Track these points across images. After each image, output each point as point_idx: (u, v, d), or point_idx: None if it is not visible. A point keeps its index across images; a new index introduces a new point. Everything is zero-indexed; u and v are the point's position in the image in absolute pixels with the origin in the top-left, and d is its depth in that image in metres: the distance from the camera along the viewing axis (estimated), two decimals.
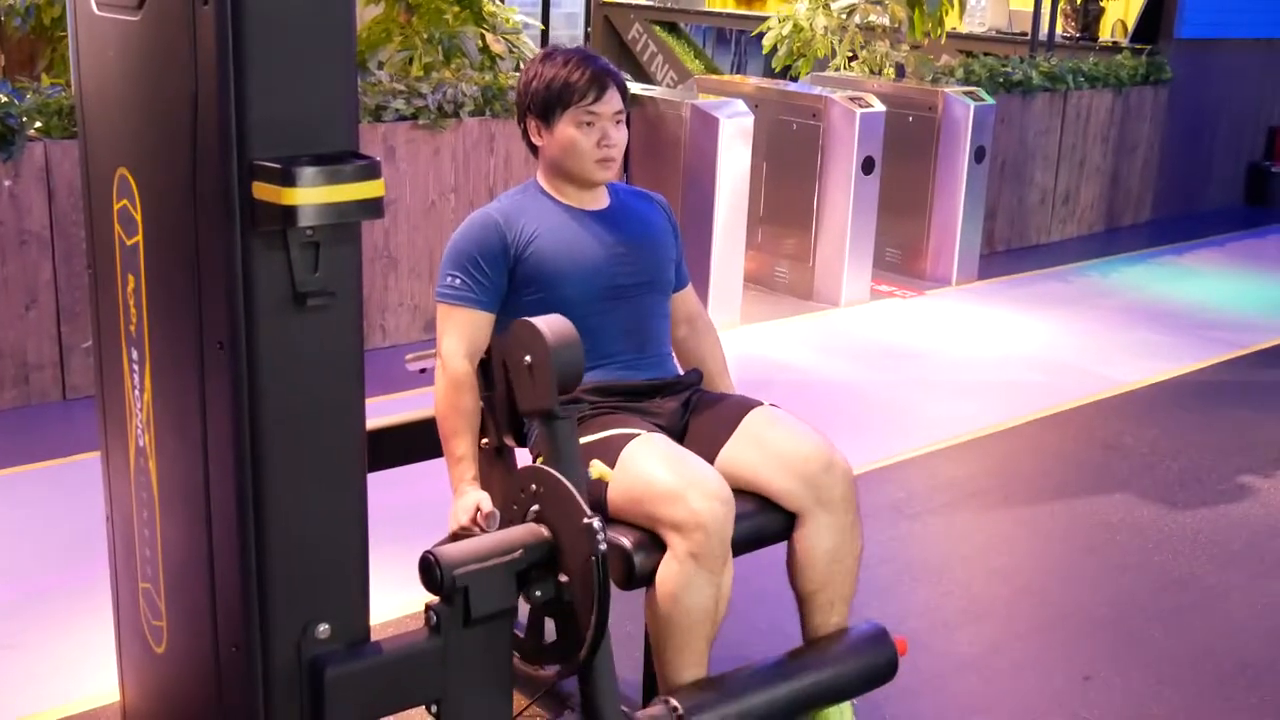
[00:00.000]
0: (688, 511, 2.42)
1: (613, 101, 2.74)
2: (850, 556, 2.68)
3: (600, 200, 2.85)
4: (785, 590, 2.73)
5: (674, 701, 2.45)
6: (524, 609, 2.45)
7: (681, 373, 2.91)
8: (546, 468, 2.41)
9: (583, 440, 2.60)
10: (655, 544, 2.49)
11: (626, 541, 2.47)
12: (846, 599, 2.71)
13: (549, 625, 2.47)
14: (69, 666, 3.12)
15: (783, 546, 2.70)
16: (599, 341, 2.74)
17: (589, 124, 2.72)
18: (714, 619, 2.52)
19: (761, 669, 2.60)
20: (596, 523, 2.28)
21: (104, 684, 2.96)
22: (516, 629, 2.50)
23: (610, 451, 2.54)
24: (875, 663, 2.68)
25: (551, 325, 2.40)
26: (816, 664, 2.64)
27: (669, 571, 2.46)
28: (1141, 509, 4.29)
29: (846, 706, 2.73)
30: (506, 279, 2.73)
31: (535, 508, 2.40)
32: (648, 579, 2.50)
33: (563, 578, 2.35)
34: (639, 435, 2.57)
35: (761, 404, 2.75)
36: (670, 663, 2.53)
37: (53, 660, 3.15)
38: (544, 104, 2.74)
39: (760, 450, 2.64)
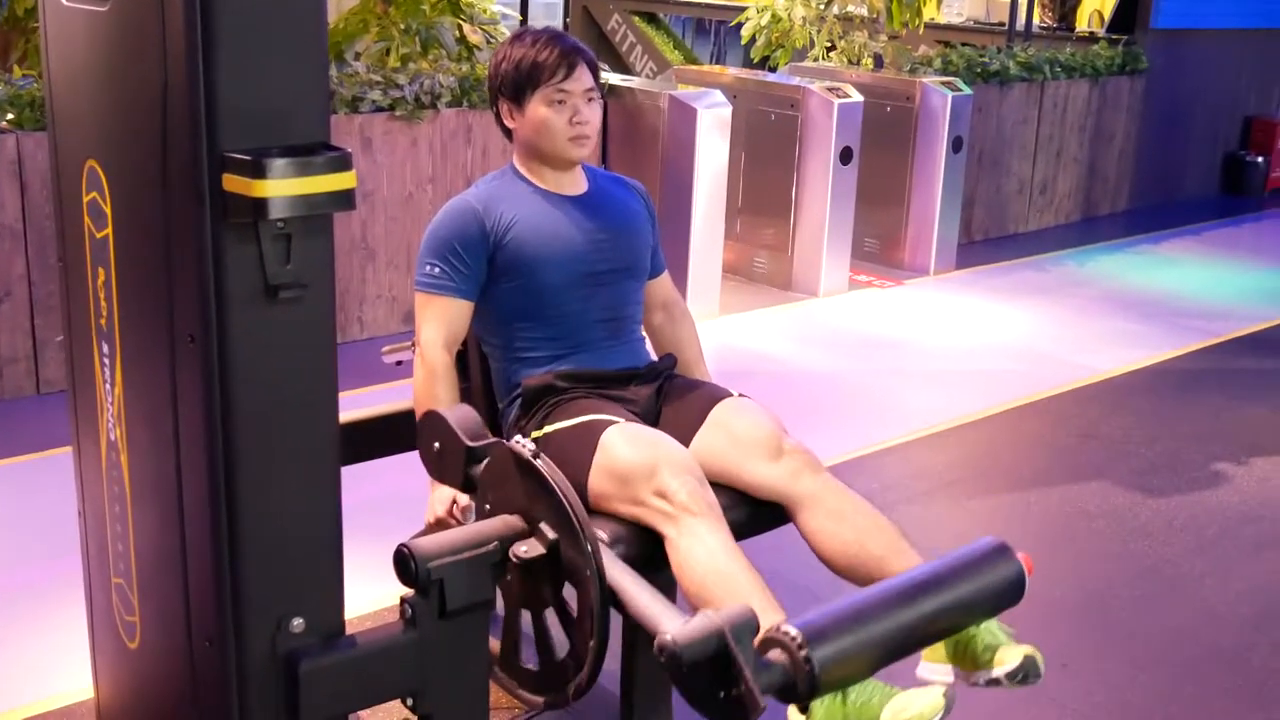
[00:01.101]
0: (660, 486, 2.39)
1: (583, 79, 2.73)
2: (859, 506, 2.53)
3: (578, 185, 2.84)
4: (789, 580, 2.67)
5: (786, 626, 2.03)
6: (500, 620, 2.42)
7: (655, 359, 2.90)
8: (554, 484, 2.30)
9: (559, 425, 2.59)
10: (636, 536, 2.45)
11: (605, 535, 2.44)
12: (902, 537, 2.51)
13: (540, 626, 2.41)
14: (42, 663, 3.11)
15: (765, 543, 2.68)
16: (575, 328, 2.74)
17: (560, 102, 2.72)
18: (746, 562, 2.34)
19: (875, 593, 2.20)
20: (518, 439, 2.29)
21: (78, 680, 2.95)
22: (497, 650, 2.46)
23: (587, 438, 2.53)
24: (1002, 577, 2.31)
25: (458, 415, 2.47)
26: (938, 582, 2.24)
27: (674, 545, 2.37)
28: (1117, 496, 4.31)
29: (991, 623, 2.36)
30: (486, 266, 2.72)
31: (488, 504, 2.38)
32: (648, 564, 2.45)
33: (549, 533, 2.26)
34: (616, 422, 2.56)
35: (730, 394, 2.74)
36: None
37: (26, 657, 3.14)
38: (515, 85, 2.74)
39: (727, 441, 2.62)
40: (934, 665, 2.36)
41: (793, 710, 2.13)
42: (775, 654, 2.02)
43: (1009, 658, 2.27)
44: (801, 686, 2.01)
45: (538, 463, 2.26)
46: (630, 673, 2.68)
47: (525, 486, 2.30)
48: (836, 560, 2.51)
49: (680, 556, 2.37)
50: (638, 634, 2.58)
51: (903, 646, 2.16)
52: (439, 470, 2.53)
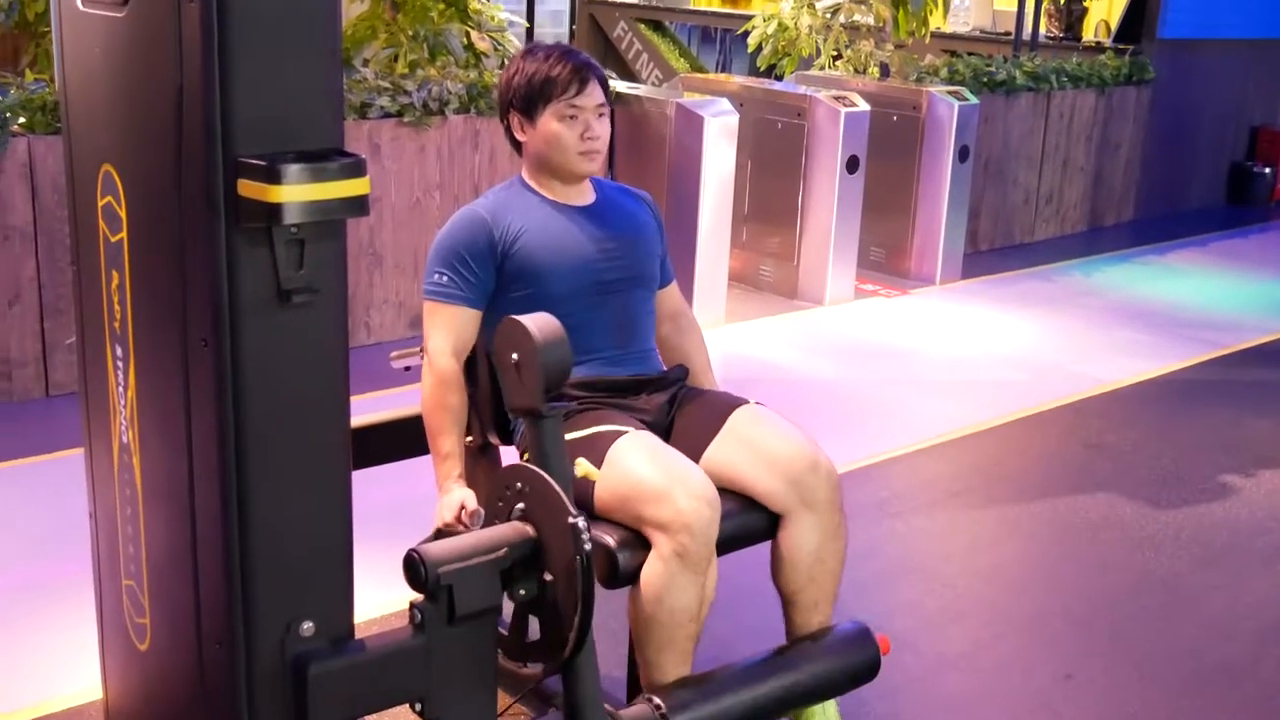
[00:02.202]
0: (673, 511, 2.42)
1: (594, 94, 2.75)
2: (834, 557, 2.68)
3: (586, 196, 2.85)
4: (768, 589, 2.73)
5: (657, 700, 2.44)
6: (508, 607, 2.45)
7: (665, 369, 2.91)
8: (531, 466, 2.41)
9: (569, 436, 2.60)
10: (640, 543, 2.49)
11: (611, 540, 2.47)
12: (830, 598, 2.71)
13: (533, 623, 2.46)
14: (52, 664, 3.11)
15: (765, 546, 2.70)
16: (585, 337, 2.74)
17: (572, 117, 2.73)
18: (697, 618, 2.52)
19: (744, 668, 2.60)
20: (581, 522, 2.28)
21: (87, 681, 2.96)
22: (501, 627, 2.50)
23: (597, 448, 2.54)
24: (858, 662, 2.68)
25: (539, 324, 2.40)
26: (799, 663, 2.63)
27: (653, 571, 2.46)
28: (1124, 508, 4.31)
29: (831, 705, 2.73)
30: (494, 276, 2.73)
31: (520, 506, 2.40)
32: (632, 578, 2.50)
33: (547, 576, 2.34)
34: (627, 433, 2.57)
35: (747, 402, 2.76)
36: (653, 662, 2.53)
37: (36, 657, 3.14)
38: (526, 99, 2.75)
39: (745, 450, 2.64)
40: None
41: None
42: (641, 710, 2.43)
43: None
44: None
45: (584, 568, 2.30)
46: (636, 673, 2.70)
47: (560, 545, 2.33)
48: (778, 579, 2.71)
49: (653, 587, 2.47)
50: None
51: (754, 717, 2.54)
52: (511, 386, 2.46)
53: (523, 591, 2.34)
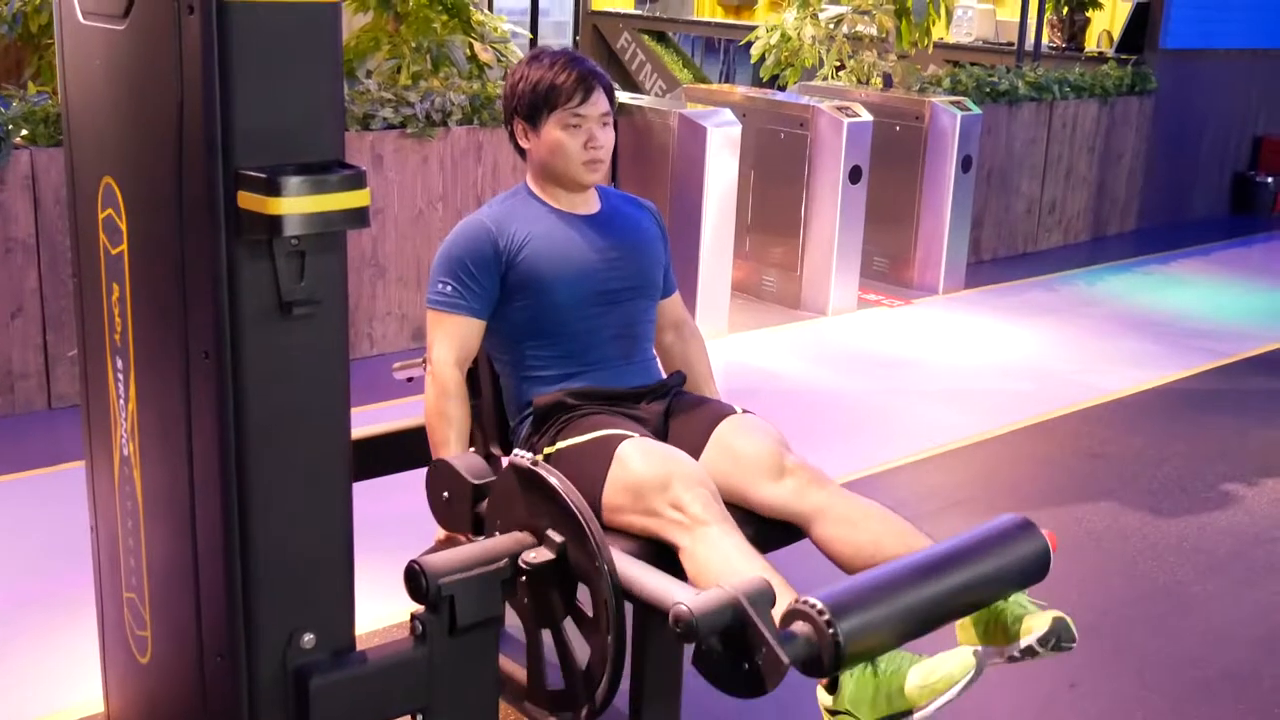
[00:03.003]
0: (674, 499, 2.40)
1: (599, 103, 2.74)
2: (871, 509, 2.52)
3: (591, 205, 2.85)
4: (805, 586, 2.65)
5: (810, 599, 2.01)
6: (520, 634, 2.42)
7: (665, 376, 2.91)
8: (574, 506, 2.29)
9: (572, 441, 2.60)
10: (652, 550, 2.44)
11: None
12: (916, 532, 2.50)
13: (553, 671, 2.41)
14: (53, 677, 3.11)
15: (775, 559, 2.68)
16: (588, 347, 2.75)
17: (576, 126, 2.73)
18: (763, 562, 2.33)
19: (899, 567, 2.18)
20: (519, 453, 2.31)
21: (88, 694, 2.95)
22: (515, 660, 2.46)
23: (602, 452, 2.54)
24: (1028, 551, 2.30)
25: (467, 463, 2.53)
26: (962, 556, 2.23)
27: (689, 554, 2.37)
28: (1127, 517, 4.30)
29: (1021, 596, 2.36)
30: (498, 286, 2.73)
31: (498, 523, 2.39)
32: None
33: (557, 537, 2.26)
34: (631, 437, 2.56)
35: (735, 411, 2.74)
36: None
37: (37, 671, 3.14)
38: (530, 106, 2.75)
39: (731, 461, 2.63)
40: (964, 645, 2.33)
41: (821, 692, 2.12)
42: (799, 626, 1.99)
43: (1038, 625, 2.26)
44: (827, 658, 1.98)
45: (538, 470, 2.26)
46: (639, 687, 2.68)
47: (529, 500, 2.31)
48: (855, 566, 2.48)
49: (696, 565, 2.36)
50: (646, 644, 2.59)
51: (928, 619, 2.14)
52: (448, 519, 2.56)
53: (533, 556, 2.23)
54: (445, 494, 2.54)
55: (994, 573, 2.24)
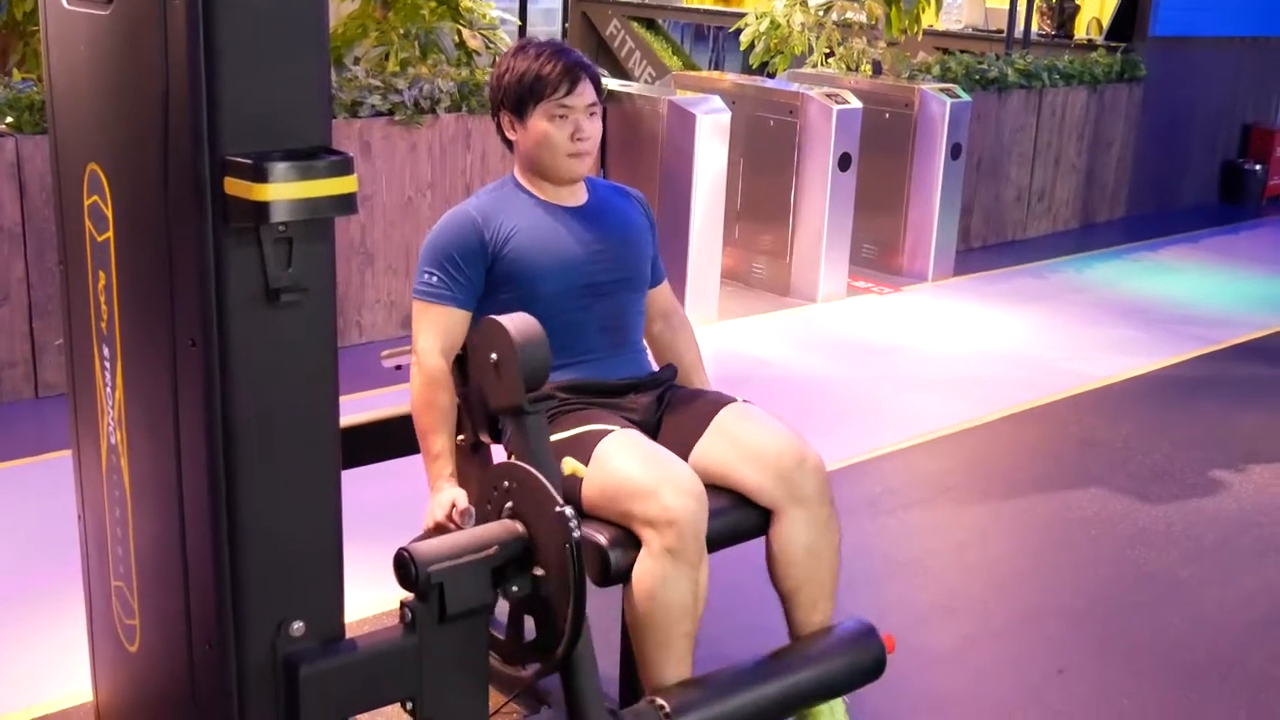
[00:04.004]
0: (661, 508, 2.42)
1: (585, 94, 2.73)
2: (829, 550, 2.67)
3: (578, 196, 2.84)
4: (762, 587, 2.72)
5: (660, 700, 2.42)
6: (503, 608, 2.44)
7: (656, 368, 2.91)
8: (518, 463, 2.41)
9: (557, 436, 2.60)
10: (631, 541, 2.49)
11: (602, 538, 2.47)
12: (829, 595, 2.70)
13: (529, 626, 2.45)
14: (42, 666, 3.10)
15: (757, 544, 2.70)
16: (575, 338, 2.74)
17: (562, 117, 2.72)
18: (693, 615, 2.50)
19: (747, 668, 2.58)
20: (569, 511, 2.28)
21: (77, 684, 2.95)
22: (496, 629, 2.49)
23: (584, 448, 2.54)
24: (863, 660, 2.66)
25: (517, 323, 2.43)
26: (803, 662, 2.61)
27: (645, 569, 2.46)
28: (1115, 503, 4.31)
29: (838, 703, 2.71)
30: (484, 277, 2.72)
31: (509, 504, 2.39)
32: (624, 576, 2.50)
33: (538, 571, 2.34)
34: (613, 432, 2.57)
35: (735, 400, 2.75)
36: (652, 663, 2.51)
37: (25, 660, 3.14)
38: (517, 98, 2.74)
39: (733, 446, 2.64)
40: None
41: None
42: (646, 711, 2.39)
43: None
44: None
45: (575, 555, 2.28)
46: (628, 664, 2.70)
47: (549, 537, 2.32)
48: (775, 578, 2.69)
49: (645, 584, 2.45)
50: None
51: (756, 717, 2.51)
52: (492, 386, 2.52)
53: (515, 588, 2.34)
54: (494, 356, 2.48)
55: (826, 678, 2.61)
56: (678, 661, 2.51)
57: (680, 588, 2.46)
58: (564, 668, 2.38)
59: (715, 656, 2.67)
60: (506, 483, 2.41)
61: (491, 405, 2.55)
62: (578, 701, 2.39)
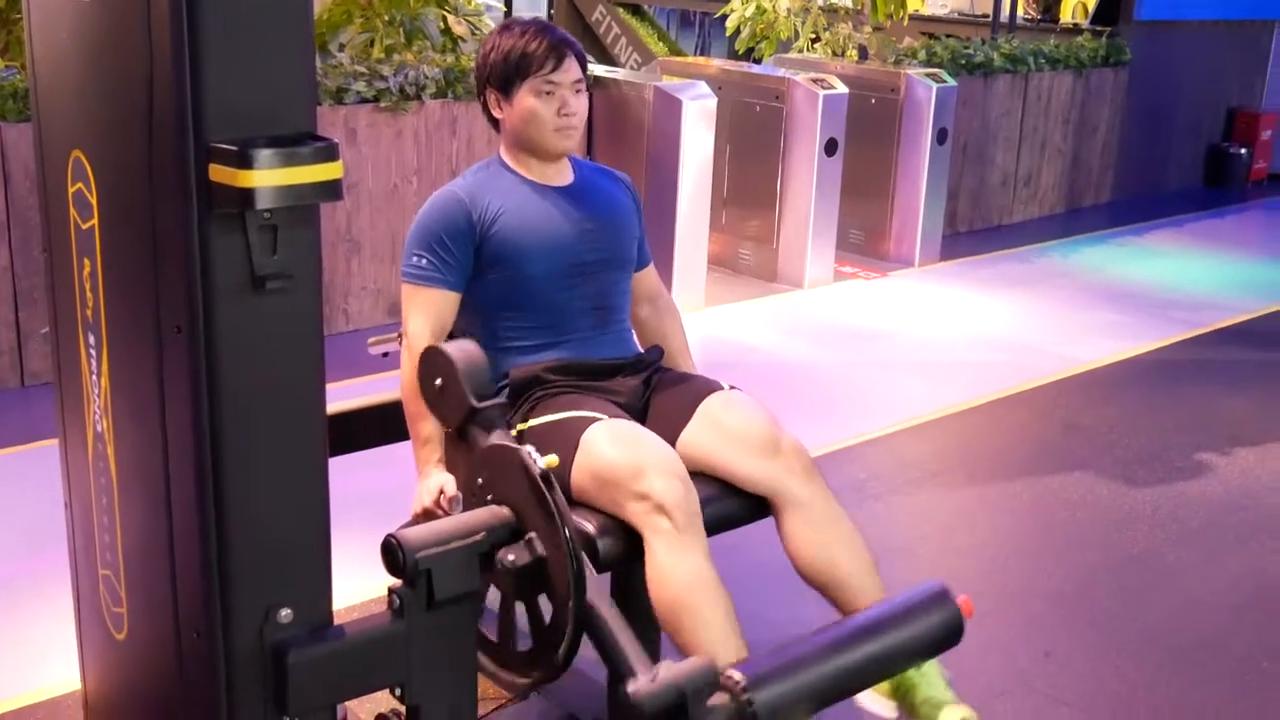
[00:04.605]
0: (646, 491, 2.41)
1: (571, 70, 2.73)
2: (840, 522, 2.60)
3: (565, 176, 2.84)
4: (758, 577, 2.71)
5: (731, 671, 2.17)
6: (497, 601, 2.43)
7: (642, 350, 2.91)
8: (493, 443, 2.42)
9: (542, 420, 2.60)
10: (621, 530, 2.47)
11: (590, 527, 2.47)
12: (870, 567, 2.60)
13: (524, 624, 2.44)
14: (29, 655, 3.10)
15: (750, 535, 2.69)
16: (562, 318, 2.74)
17: (548, 93, 2.72)
18: (720, 589, 2.41)
19: (817, 638, 2.33)
20: (531, 451, 2.29)
21: (65, 672, 2.95)
22: (489, 632, 2.48)
23: (569, 434, 2.54)
24: (940, 622, 2.43)
25: (458, 347, 2.53)
26: (879, 626, 2.39)
27: (654, 559, 2.42)
28: (1101, 487, 4.33)
29: (931, 666, 2.51)
30: (472, 257, 2.72)
31: (490, 496, 2.39)
32: (614, 564, 2.49)
33: (530, 535, 2.31)
34: (599, 420, 2.56)
35: (721, 387, 2.75)
36: (698, 648, 2.36)
37: (13, 649, 3.13)
38: (503, 75, 2.74)
39: (718, 435, 2.64)
40: (878, 697, 2.54)
41: None
42: (718, 698, 2.16)
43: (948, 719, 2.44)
44: None
45: (545, 488, 2.26)
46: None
47: (527, 494, 2.31)
48: (804, 569, 2.60)
49: (657, 573, 2.42)
50: (627, 609, 2.61)
51: (842, 690, 2.31)
52: (441, 407, 2.55)
53: (512, 558, 2.28)
54: (438, 381, 2.52)
55: (907, 644, 2.39)
56: (725, 638, 2.38)
57: (694, 559, 2.40)
58: (583, 627, 2.27)
59: None
60: (482, 473, 2.41)
61: (449, 426, 2.58)
62: (610, 648, 2.25)
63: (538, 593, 2.37)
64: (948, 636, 2.44)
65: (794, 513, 2.60)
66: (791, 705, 2.19)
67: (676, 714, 2.12)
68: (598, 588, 2.33)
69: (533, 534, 2.31)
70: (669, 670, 2.14)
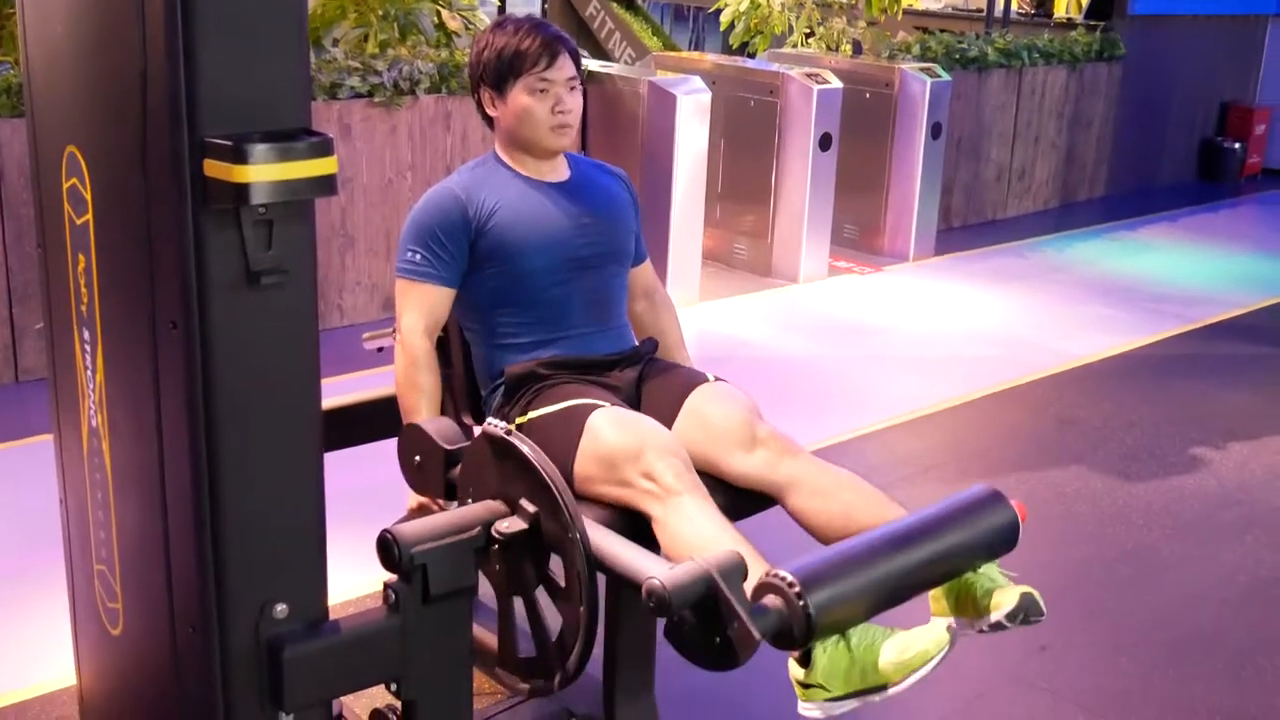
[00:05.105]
0: (645, 468, 2.39)
1: (565, 67, 2.73)
2: (842, 477, 2.53)
3: (561, 172, 2.84)
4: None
5: (782, 571, 2.00)
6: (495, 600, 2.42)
7: (637, 343, 2.91)
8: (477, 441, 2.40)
9: (543, 411, 2.60)
10: (623, 524, 2.45)
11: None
12: (884, 500, 2.50)
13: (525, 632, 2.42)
14: (25, 651, 3.10)
15: (747, 529, 2.68)
16: (560, 314, 2.74)
17: (542, 91, 2.71)
18: (736, 534, 2.32)
19: (869, 539, 2.17)
20: (496, 423, 2.28)
21: (60, 667, 2.94)
22: (488, 636, 2.46)
23: (573, 422, 2.53)
24: (997, 522, 2.30)
25: (438, 426, 2.51)
26: (932, 527, 2.23)
27: (662, 523, 2.37)
28: (1095, 481, 4.34)
29: (992, 566, 2.36)
30: (467, 254, 2.72)
31: (470, 491, 2.38)
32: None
33: (530, 507, 2.25)
34: (602, 406, 2.56)
35: (707, 379, 2.74)
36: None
37: (8, 645, 3.13)
38: (497, 73, 2.73)
39: (704, 432, 2.62)
40: (938, 619, 2.31)
41: (793, 665, 2.13)
42: (770, 599, 1.99)
43: (1006, 600, 2.27)
44: (798, 630, 1.98)
45: (512, 439, 2.25)
46: (613, 654, 2.69)
47: (502, 469, 2.30)
48: (828, 535, 2.49)
49: (669, 535, 2.36)
50: (620, 612, 2.60)
51: (898, 591, 2.14)
52: (420, 482, 2.55)
53: (505, 525, 2.22)
54: (417, 458, 2.53)
55: (964, 544, 2.24)
56: (763, 568, 2.17)
57: (704, 513, 2.34)
58: (594, 566, 2.18)
59: None
60: (465, 485, 2.40)
61: (428, 495, 2.57)
62: (624, 563, 2.14)
63: (535, 584, 2.34)
64: (1006, 538, 2.30)
65: (792, 492, 2.55)
66: (847, 607, 2.03)
67: (709, 608, 1.97)
68: (593, 524, 2.24)
69: (523, 500, 2.24)
70: (692, 561, 2.00)
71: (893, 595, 2.13)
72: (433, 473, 2.49)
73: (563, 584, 2.26)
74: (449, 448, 2.48)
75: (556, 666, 2.30)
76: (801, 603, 1.96)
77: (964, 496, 2.31)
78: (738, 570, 2.01)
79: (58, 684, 2.94)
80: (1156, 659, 3.27)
